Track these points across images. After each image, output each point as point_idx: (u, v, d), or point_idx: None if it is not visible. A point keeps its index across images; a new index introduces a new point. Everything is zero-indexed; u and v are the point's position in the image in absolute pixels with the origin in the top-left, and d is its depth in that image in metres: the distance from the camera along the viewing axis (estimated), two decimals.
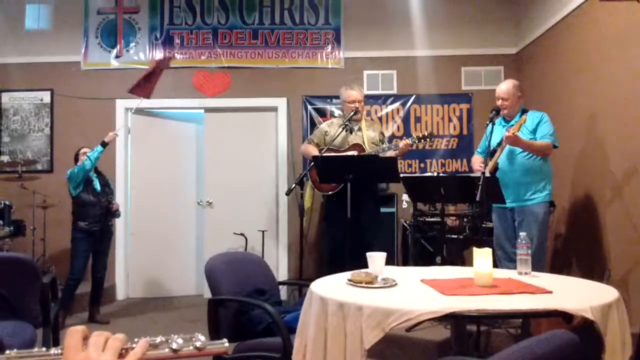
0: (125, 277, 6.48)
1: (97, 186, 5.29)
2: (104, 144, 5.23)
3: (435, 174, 5.75)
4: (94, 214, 5.18)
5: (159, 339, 0.84)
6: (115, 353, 0.80)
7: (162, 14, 6.55)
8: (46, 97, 6.51)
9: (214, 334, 2.74)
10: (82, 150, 5.33)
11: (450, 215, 5.21)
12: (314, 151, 4.68)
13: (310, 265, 6.10)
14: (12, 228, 5.64)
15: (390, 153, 4.56)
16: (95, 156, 5.14)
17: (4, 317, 2.94)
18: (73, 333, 0.80)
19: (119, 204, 5.54)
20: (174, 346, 0.84)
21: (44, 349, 0.81)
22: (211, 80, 6.55)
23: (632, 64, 4.08)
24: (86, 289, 5.37)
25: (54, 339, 3.24)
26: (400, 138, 5.01)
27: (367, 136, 4.71)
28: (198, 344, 0.85)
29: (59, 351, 0.80)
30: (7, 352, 0.80)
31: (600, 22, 4.55)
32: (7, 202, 5.65)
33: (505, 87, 4.30)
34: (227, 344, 0.87)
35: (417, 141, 4.62)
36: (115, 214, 5.44)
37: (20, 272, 3.07)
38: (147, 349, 0.82)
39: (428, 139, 4.63)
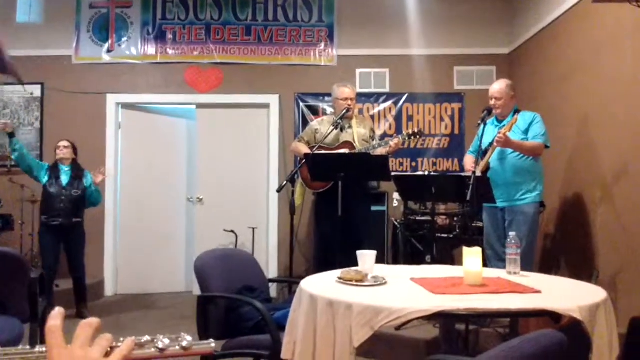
0: (114, 273, 6.44)
1: (64, 179, 5.19)
2: (10, 135, 5.03)
3: (426, 173, 5.76)
4: (55, 207, 5.07)
5: (145, 339, 0.83)
6: (102, 350, 0.79)
7: (155, 9, 6.51)
8: (36, 91, 6.45)
9: (203, 331, 2.74)
10: (59, 144, 5.30)
11: (440, 215, 5.22)
12: (304, 149, 4.68)
13: (301, 263, 6.10)
14: (0, 223, 5.60)
15: (381, 150, 4.56)
16: (12, 149, 5.03)
17: None
18: (54, 331, 0.78)
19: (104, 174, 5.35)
20: (160, 346, 0.83)
21: (28, 347, 0.80)
22: (203, 76, 6.52)
23: (624, 65, 4.10)
24: (71, 285, 5.35)
25: (41, 335, 3.22)
26: (392, 137, 5.01)
27: (357, 133, 4.71)
28: (184, 343, 0.84)
29: (44, 349, 0.79)
30: None
31: (593, 24, 4.57)
32: None
33: (498, 86, 4.32)
34: (213, 344, 0.87)
35: (406, 138, 4.62)
36: (90, 197, 5.25)
37: (8, 267, 3.04)
38: (133, 348, 0.81)
39: (418, 136, 4.65)
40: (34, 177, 5.18)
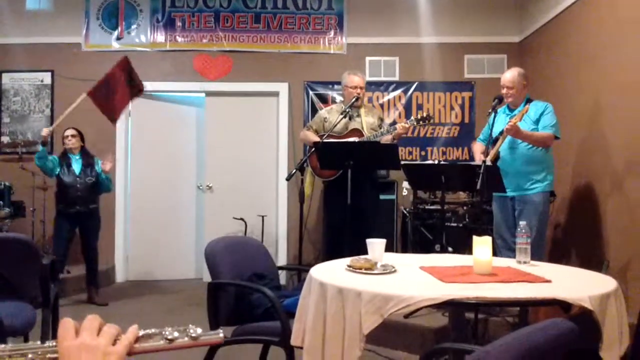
0: (125, 259, 6.49)
1: (76, 168, 5.25)
2: (42, 144, 5.09)
3: (436, 162, 5.75)
4: (71, 196, 5.16)
5: (152, 331, 0.84)
6: (110, 338, 0.80)
7: None
8: (47, 78, 6.48)
9: (213, 318, 2.75)
10: (65, 133, 5.33)
11: (450, 204, 5.20)
12: (313, 138, 4.67)
13: (310, 250, 6.12)
14: (12, 209, 5.65)
15: (387, 137, 4.54)
16: (39, 156, 5.09)
17: (4, 298, 2.94)
18: (65, 323, 0.81)
19: (110, 165, 5.33)
20: (169, 337, 0.84)
21: (38, 342, 0.82)
22: (213, 64, 6.52)
23: (636, 54, 4.06)
24: (83, 271, 5.40)
25: (53, 320, 3.25)
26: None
27: (365, 122, 4.69)
28: (193, 334, 0.85)
29: (54, 343, 0.80)
30: (2, 345, 0.80)
31: (605, 11, 4.52)
32: (7, 183, 5.65)
33: (510, 75, 4.26)
34: (222, 334, 0.87)
35: (415, 123, 4.59)
36: (101, 184, 5.32)
37: (20, 253, 3.07)
38: (137, 334, 0.83)
39: (427, 121, 4.59)
40: (48, 175, 5.28)
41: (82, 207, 5.20)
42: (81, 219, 5.25)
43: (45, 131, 5.12)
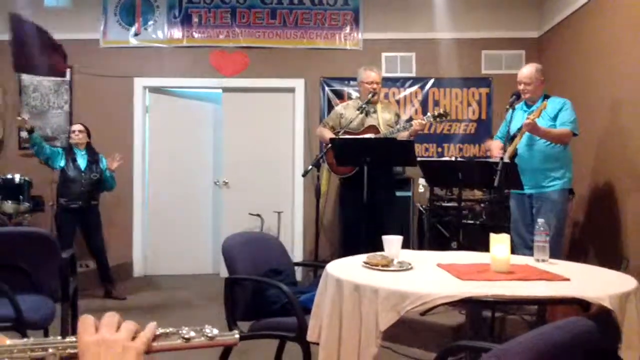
0: (143, 254, 6.55)
1: (82, 163, 5.29)
2: (29, 131, 5.11)
3: (453, 159, 5.71)
4: (74, 191, 5.19)
5: (169, 330, 0.86)
6: (129, 334, 0.82)
7: None
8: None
9: (230, 313, 2.77)
10: (72, 128, 5.41)
11: (467, 201, 5.17)
12: (328, 134, 4.66)
13: (326, 247, 6.12)
14: (31, 204, 5.72)
15: (404, 133, 4.52)
16: (32, 143, 5.17)
17: (24, 291, 2.98)
18: (85, 319, 0.83)
19: (118, 160, 5.35)
20: (186, 336, 0.85)
21: (59, 337, 0.84)
22: (229, 60, 6.53)
23: None
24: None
25: (72, 314, 3.29)
26: None
27: (382, 118, 4.68)
28: (209, 334, 0.86)
29: (74, 338, 0.82)
30: (24, 340, 0.82)
31: (625, 6, 4.45)
32: (26, 178, 5.71)
33: (527, 71, 4.22)
34: (237, 335, 0.88)
35: (432, 119, 4.57)
36: (105, 181, 5.35)
37: (40, 247, 3.11)
38: (155, 331, 0.85)
39: (444, 117, 4.57)
40: (50, 166, 5.32)
41: (84, 203, 5.23)
42: (82, 215, 5.27)
43: (18, 120, 5.21)
